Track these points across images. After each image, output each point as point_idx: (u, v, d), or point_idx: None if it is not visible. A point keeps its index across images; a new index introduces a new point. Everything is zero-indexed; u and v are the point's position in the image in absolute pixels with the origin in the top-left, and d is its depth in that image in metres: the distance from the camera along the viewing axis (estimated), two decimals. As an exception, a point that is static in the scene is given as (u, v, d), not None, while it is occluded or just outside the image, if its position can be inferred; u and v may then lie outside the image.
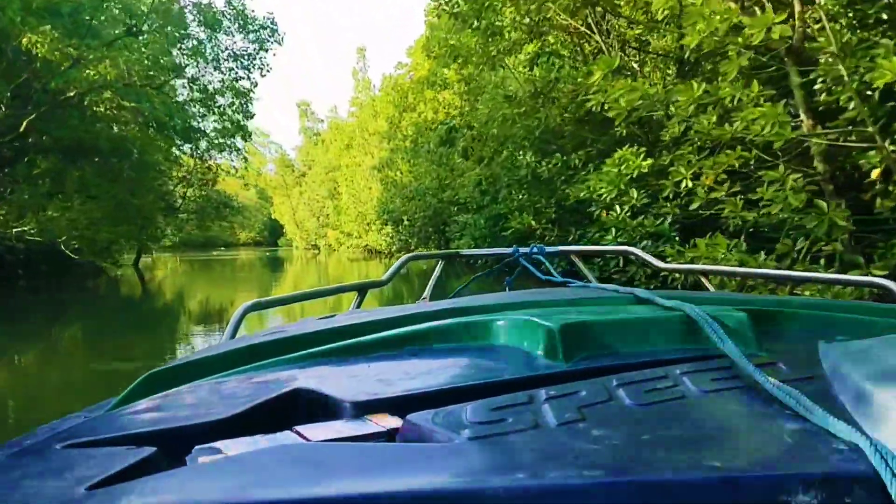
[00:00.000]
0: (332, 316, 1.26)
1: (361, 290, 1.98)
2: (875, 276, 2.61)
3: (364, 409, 0.67)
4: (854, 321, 1.00)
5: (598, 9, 11.18)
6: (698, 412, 0.61)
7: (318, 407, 0.69)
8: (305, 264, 40.88)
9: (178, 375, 0.89)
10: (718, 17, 5.67)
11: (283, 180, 76.30)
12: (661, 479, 0.47)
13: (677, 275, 6.06)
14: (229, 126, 34.04)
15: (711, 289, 2.02)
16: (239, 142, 34.19)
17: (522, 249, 2.29)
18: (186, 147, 32.73)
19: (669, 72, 11.04)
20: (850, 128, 5.36)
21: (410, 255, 2.38)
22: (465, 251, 2.59)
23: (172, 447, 0.59)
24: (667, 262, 2.59)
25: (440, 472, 0.50)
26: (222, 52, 26.92)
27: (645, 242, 7.35)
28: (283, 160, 79.70)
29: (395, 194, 33.28)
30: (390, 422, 0.64)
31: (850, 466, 0.48)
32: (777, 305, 1.06)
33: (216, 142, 33.05)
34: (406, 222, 31.30)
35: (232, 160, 34.83)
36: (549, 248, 2.30)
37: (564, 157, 11.63)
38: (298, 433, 0.62)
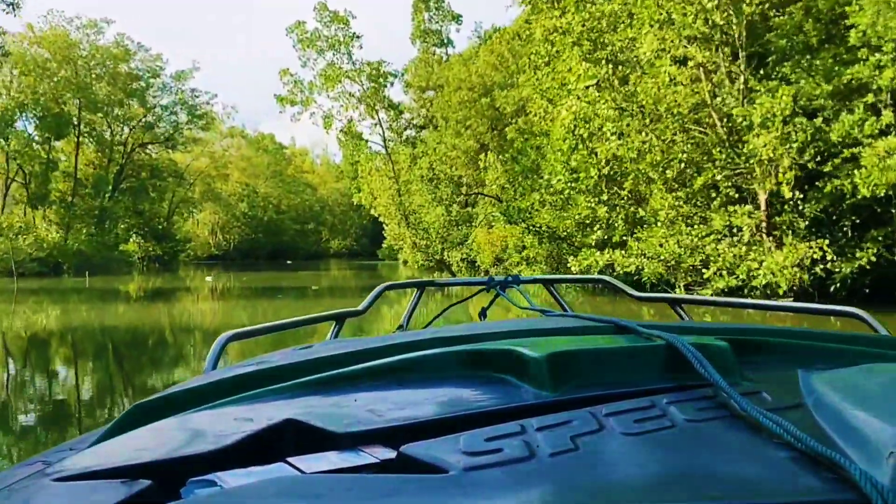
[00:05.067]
0: (310, 346, 1.23)
1: (339, 319, 1.96)
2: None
3: (355, 439, 0.67)
4: (831, 350, 1.02)
5: None
6: (689, 442, 0.62)
7: (308, 438, 0.69)
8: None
9: (164, 407, 0.88)
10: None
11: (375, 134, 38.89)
12: None
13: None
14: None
15: (686, 318, 1.99)
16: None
17: (497, 278, 2.26)
18: None
19: None
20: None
21: (387, 284, 2.29)
22: (441, 280, 2.66)
23: (165, 479, 0.60)
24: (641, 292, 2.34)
25: (439, 502, 0.50)
26: None
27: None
28: (376, 81, 36.59)
29: None
30: (383, 452, 0.64)
31: (841, 496, 0.49)
32: (755, 334, 1.08)
33: None
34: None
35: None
36: (523, 277, 2.29)
37: None
38: (292, 465, 0.62)
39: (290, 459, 0.62)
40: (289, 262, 59.83)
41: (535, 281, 2.45)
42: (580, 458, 0.56)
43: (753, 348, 0.98)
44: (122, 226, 48.25)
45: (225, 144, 60.34)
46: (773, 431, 0.59)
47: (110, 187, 44.77)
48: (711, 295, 12.52)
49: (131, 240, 48.60)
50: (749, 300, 2.16)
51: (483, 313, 2.13)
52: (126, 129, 47.15)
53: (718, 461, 0.56)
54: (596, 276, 2.78)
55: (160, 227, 51.76)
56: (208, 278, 30.15)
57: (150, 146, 48.45)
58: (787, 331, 1.13)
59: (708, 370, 0.75)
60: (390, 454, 0.63)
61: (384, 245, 46.14)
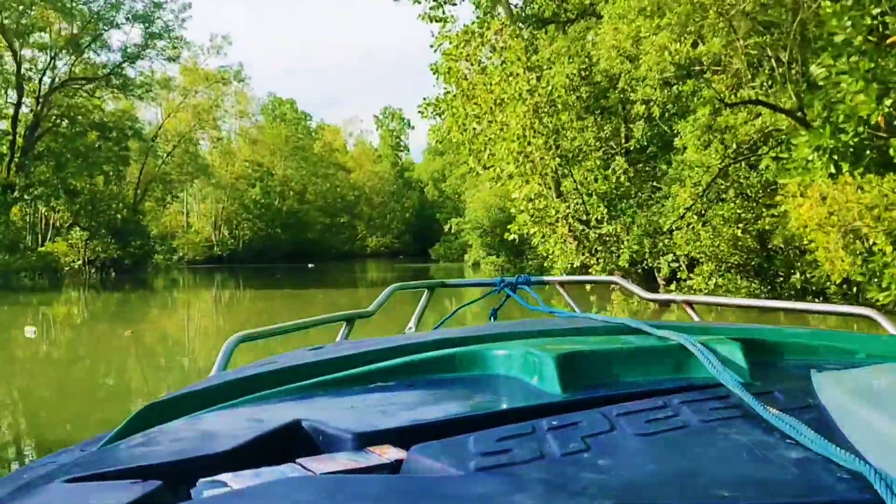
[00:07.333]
0: (321, 347, 1.24)
1: (349, 320, 1.97)
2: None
3: (365, 440, 0.67)
4: (842, 350, 1.01)
5: None
6: (700, 442, 0.62)
7: (318, 439, 0.70)
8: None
9: (174, 408, 0.87)
10: None
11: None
12: None
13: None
14: None
15: (696, 318, 1.99)
16: None
17: (507, 279, 2.28)
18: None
19: None
20: None
21: (396, 285, 2.32)
22: (451, 281, 2.64)
23: (175, 480, 0.60)
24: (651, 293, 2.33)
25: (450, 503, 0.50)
26: None
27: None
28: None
29: None
30: (393, 453, 0.64)
31: (854, 495, 0.49)
32: (766, 335, 1.07)
33: None
34: None
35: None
36: (533, 278, 2.30)
37: None
38: (302, 466, 0.62)
39: (300, 460, 0.62)
40: (310, 265, 42.48)
41: (545, 282, 2.45)
42: (591, 459, 0.57)
43: (765, 349, 0.97)
44: (53, 212, 30.99)
45: (213, 95, 41.52)
46: (786, 431, 0.60)
47: (5, 149, 27.28)
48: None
49: (72, 234, 31.38)
50: (760, 301, 2.14)
51: (494, 314, 2.14)
52: (42, 57, 29.63)
53: (730, 461, 0.56)
54: (606, 277, 2.72)
55: (119, 217, 34.34)
56: (29, 331, 12.32)
57: (85, 85, 30.78)
58: (799, 331, 1.12)
59: (719, 370, 0.75)
60: (400, 455, 0.63)
61: (442, 242, 28.23)
